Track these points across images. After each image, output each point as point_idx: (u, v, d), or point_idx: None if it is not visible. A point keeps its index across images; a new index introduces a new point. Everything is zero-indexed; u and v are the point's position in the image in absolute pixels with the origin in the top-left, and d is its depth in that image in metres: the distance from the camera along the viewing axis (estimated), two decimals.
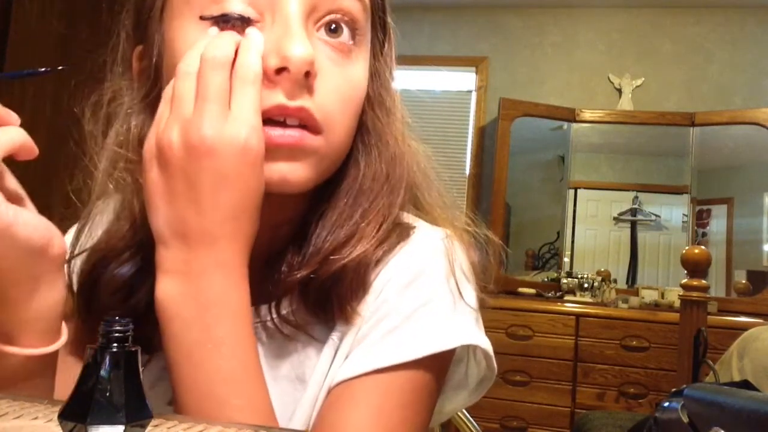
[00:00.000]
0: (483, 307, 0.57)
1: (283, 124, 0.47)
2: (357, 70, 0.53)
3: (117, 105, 0.55)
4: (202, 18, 0.48)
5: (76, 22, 1.98)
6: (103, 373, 0.32)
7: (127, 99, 0.55)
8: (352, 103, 0.52)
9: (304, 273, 0.51)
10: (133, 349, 0.33)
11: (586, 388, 2.84)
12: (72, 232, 0.58)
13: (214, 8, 0.47)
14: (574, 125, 3.52)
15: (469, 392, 0.59)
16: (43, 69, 0.48)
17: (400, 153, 0.57)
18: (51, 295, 0.45)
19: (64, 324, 0.48)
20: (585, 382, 2.85)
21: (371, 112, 0.57)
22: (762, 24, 3.40)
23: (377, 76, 0.58)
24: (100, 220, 0.58)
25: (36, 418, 0.39)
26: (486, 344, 0.54)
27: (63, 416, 0.32)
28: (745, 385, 0.79)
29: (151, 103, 0.52)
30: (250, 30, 0.47)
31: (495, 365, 0.57)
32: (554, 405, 2.86)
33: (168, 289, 0.44)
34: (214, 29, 0.47)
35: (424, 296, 0.53)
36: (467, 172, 3.61)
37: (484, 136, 3.60)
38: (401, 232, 0.55)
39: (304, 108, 0.47)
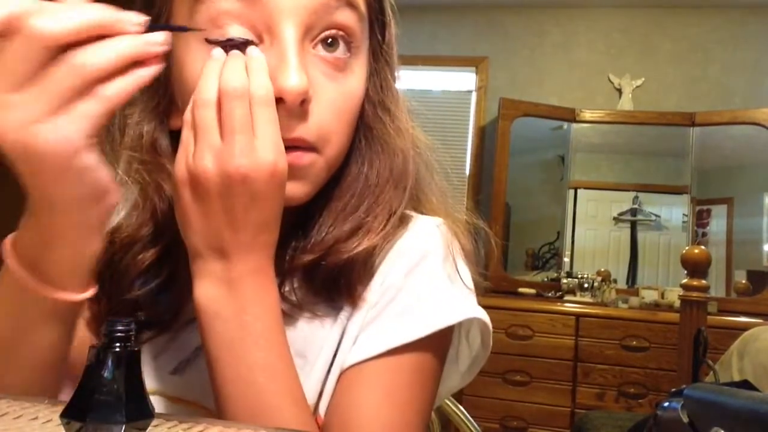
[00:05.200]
0: (478, 288, 0.62)
1: None
2: (353, 80, 0.55)
3: (127, 115, 0.58)
4: (207, 41, 0.50)
5: None
6: (105, 372, 0.32)
7: (138, 109, 0.57)
8: (348, 114, 0.55)
9: (308, 258, 0.55)
10: (135, 348, 0.33)
11: (586, 388, 2.84)
12: None
13: (218, 33, 0.50)
14: (574, 125, 3.52)
15: (461, 374, 0.64)
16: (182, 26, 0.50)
17: (405, 149, 0.60)
18: (96, 245, 0.46)
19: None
20: (585, 382, 2.85)
21: (372, 111, 0.59)
22: (762, 24, 3.40)
23: (377, 76, 0.60)
24: (117, 209, 0.60)
25: (36, 418, 0.39)
26: (486, 317, 0.59)
27: (64, 415, 0.33)
28: (745, 385, 0.79)
29: (161, 112, 0.57)
30: (251, 50, 0.49)
31: (490, 341, 0.61)
32: (554, 405, 2.86)
33: (209, 294, 0.49)
34: (219, 50, 0.49)
35: (426, 279, 0.58)
36: (467, 172, 3.61)
37: (484, 136, 3.60)
38: (400, 221, 0.59)
39: (298, 138, 0.51)
